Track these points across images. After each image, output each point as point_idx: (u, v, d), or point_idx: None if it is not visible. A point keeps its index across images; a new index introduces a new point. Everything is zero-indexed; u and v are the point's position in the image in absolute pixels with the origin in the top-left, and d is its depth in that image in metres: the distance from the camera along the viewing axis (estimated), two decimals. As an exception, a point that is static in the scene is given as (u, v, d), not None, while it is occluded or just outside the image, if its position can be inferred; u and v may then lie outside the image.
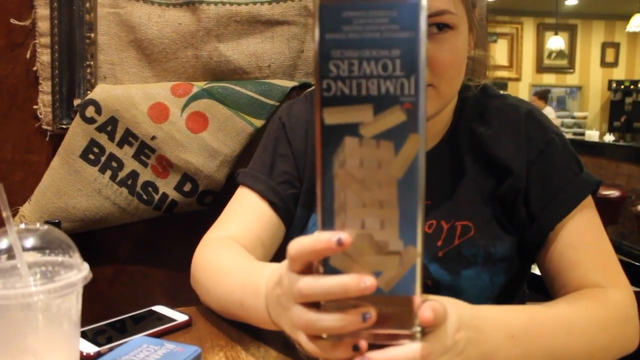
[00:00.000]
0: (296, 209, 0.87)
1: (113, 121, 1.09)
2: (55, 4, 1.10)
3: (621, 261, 0.76)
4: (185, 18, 1.13)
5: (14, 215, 0.89)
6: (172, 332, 0.73)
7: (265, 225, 0.83)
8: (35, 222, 0.82)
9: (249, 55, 1.14)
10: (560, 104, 8.32)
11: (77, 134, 1.09)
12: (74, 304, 0.50)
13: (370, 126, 0.42)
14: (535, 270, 0.84)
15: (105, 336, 0.70)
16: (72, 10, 1.10)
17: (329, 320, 0.45)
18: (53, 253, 0.51)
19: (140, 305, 0.80)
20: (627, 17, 6.62)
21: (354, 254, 0.43)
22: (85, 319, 0.58)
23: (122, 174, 1.10)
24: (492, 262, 0.78)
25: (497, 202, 0.79)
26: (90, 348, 0.66)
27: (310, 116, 0.89)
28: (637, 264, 1.12)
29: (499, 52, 7.75)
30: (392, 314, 0.44)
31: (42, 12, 1.10)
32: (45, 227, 0.52)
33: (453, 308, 0.51)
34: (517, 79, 7.94)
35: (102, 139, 1.09)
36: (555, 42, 7.51)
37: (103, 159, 1.10)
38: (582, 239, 0.75)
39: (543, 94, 6.83)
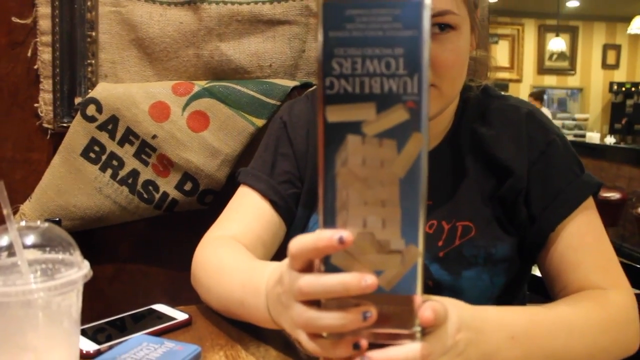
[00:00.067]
0: (297, 209, 0.87)
1: (114, 120, 1.09)
2: (57, 3, 1.10)
3: (621, 263, 0.76)
4: (186, 17, 1.13)
5: (14, 213, 0.89)
6: (172, 330, 0.73)
7: (266, 224, 0.83)
8: (36, 220, 0.82)
9: (250, 54, 1.14)
10: (561, 106, 8.31)
11: (78, 132, 1.09)
12: (74, 302, 0.50)
13: (372, 124, 0.42)
14: (536, 271, 0.84)
15: (105, 334, 0.70)
16: (74, 8, 1.10)
17: (330, 318, 0.45)
18: (53, 250, 0.51)
19: (141, 304, 0.80)
20: (628, 19, 6.62)
21: (356, 253, 0.43)
22: (86, 317, 0.58)
23: (122, 173, 1.10)
24: (493, 262, 0.78)
25: (497, 203, 0.79)
26: (90, 346, 0.66)
27: (312, 116, 0.89)
28: (638, 266, 1.12)
29: (500, 53, 7.74)
30: (392, 313, 0.44)
31: (44, 10, 1.10)
32: (46, 224, 0.52)
33: (454, 309, 0.51)
34: (518, 81, 7.94)
35: (103, 137, 1.09)
36: (557, 43, 7.51)
37: (104, 157, 1.10)
38: (582, 240, 0.75)
39: (538, 95, 6.83)
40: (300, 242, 0.45)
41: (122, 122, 1.09)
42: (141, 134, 1.09)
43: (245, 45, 1.14)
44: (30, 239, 0.51)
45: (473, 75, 0.85)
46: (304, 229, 0.86)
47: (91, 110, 1.08)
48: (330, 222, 0.43)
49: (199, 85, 1.12)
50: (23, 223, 0.51)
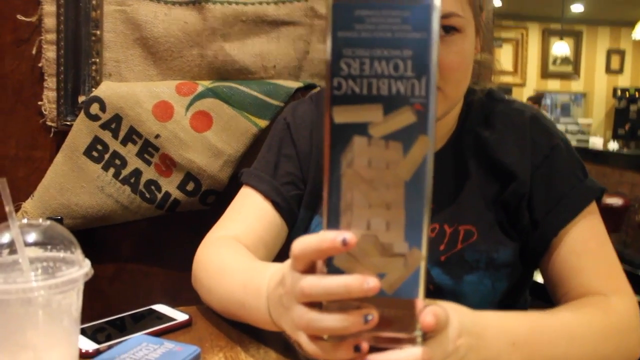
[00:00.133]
0: (299, 210, 0.86)
1: (117, 119, 1.09)
2: (62, 1, 1.10)
3: (624, 270, 0.75)
4: (191, 17, 1.13)
5: (16, 211, 0.89)
6: (172, 331, 0.73)
7: (268, 225, 0.83)
8: (38, 218, 0.82)
9: (254, 55, 1.14)
10: (565, 111, 8.29)
11: (81, 130, 1.09)
12: (75, 301, 0.50)
13: (379, 126, 0.41)
14: (538, 277, 0.83)
15: (105, 334, 0.70)
16: (79, 7, 1.11)
17: (331, 320, 0.44)
18: (55, 249, 0.51)
19: (141, 304, 0.80)
20: (632, 24, 6.60)
21: (359, 255, 0.43)
22: (85, 316, 0.57)
23: (125, 172, 1.10)
24: (495, 267, 0.77)
25: (500, 207, 0.79)
26: (89, 345, 0.66)
27: (315, 117, 0.89)
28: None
29: (504, 57, 7.72)
30: (394, 316, 0.44)
31: (49, 8, 1.10)
32: (48, 222, 0.52)
33: (455, 314, 0.51)
34: (522, 85, 7.92)
35: (106, 136, 1.09)
36: (561, 48, 7.49)
37: (106, 156, 1.10)
38: (585, 245, 0.75)
39: (537, 99, 6.83)
40: (303, 243, 0.45)
41: (125, 121, 1.09)
42: (144, 134, 1.09)
43: (250, 46, 1.14)
44: (32, 237, 0.51)
45: (477, 79, 0.85)
46: (306, 230, 0.86)
47: (95, 108, 1.08)
48: (334, 223, 0.43)
49: (203, 85, 1.12)
50: (25, 221, 0.51)
